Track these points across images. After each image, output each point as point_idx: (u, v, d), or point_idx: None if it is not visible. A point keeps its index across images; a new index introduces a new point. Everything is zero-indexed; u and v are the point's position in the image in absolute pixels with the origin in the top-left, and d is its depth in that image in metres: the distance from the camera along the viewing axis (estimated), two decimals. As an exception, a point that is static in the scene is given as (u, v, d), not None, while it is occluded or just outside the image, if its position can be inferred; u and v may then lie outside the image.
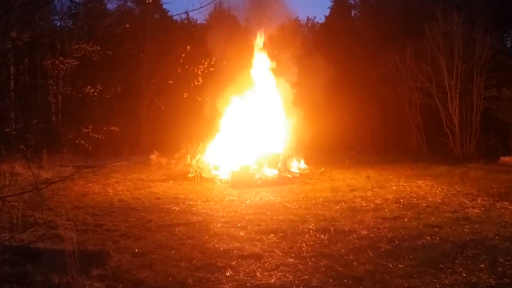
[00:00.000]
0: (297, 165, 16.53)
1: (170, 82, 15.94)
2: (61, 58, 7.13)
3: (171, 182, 13.94)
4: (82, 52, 6.58)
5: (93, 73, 22.97)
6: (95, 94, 9.22)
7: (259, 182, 13.32)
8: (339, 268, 5.60)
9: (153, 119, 27.61)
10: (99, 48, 6.73)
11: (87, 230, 7.65)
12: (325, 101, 18.42)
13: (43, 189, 5.67)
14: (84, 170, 6.29)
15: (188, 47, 12.69)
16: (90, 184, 13.18)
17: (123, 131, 25.38)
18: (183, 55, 12.54)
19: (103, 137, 9.92)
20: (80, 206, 9.91)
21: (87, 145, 13.37)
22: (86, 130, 8.05)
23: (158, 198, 11.06)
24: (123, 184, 13.54)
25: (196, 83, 15.15)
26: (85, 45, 6.76)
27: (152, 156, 17.81)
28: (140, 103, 27.49)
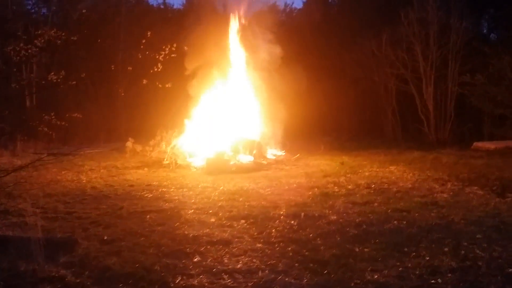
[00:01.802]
0: (273, 152, 16.59)
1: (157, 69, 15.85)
2: (30, 45, 7.01)
3: (145, 169, 13.88)
4: (46, 38, 6.48)
5: (68, 60, 22.71)
6: (68, 81, 9.09)
7: (234, 168, 13.34)
8: (306, 253, 5.67)
9: (130, 106, 27.35)
10: (63, 34, 6.64)
11: (57, 218, 7.60)
12: (302, 87, 18.43)
13: (1, 177, 5.61)
14: (46, 158, 6.23)
15: (149, 33, 12.52)
16: (63, 172, 13.06)
17: (100, 118, 25.18)
18: (143, 40, 12.39)
19: (77, 123, 9.79)
20: (52, 193, 9.82)
21: (61, 132, 13.22)
22: (57, 117, 7.93)
23: (132, 185, 11.01)
24: (97, 171, 13.45)
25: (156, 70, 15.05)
26: (49, 31, 6.64)
27: (128, 143, 17.68)
28: (116, 90, 27.19)
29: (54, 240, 5.89)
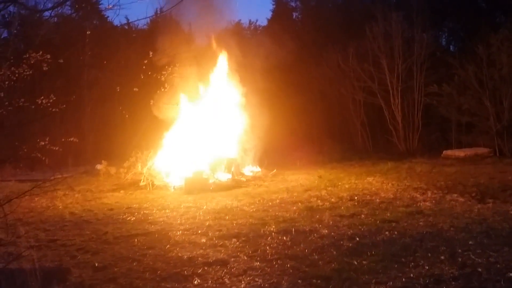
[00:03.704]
0: (250, 168, 16.53)
1: (118, 88, 15.54)
2: (21, 70, 6.78)
3: (122, 191, 13.53)
4: (32, 62, 6.27)
5: (31, 83, 22.15)
6: (42, 105, 8.81)
7: (213, 187, 13.19)
8: (306, 269, 5.62)
9: (97, 127, 26.83)
10: (48, 57, 6.44)
11: (40, 246, 7.29)
12: (270, 103, 18.47)
13: (3, 205, 5.37)
14: (41, 184, 5.98)
15: (151, 53, 12.40)
16: (36, 199, 12.58)
17: (66, 142, 24.56)
18: (146, 61, 12.22)
19: (44, 147, 9.47)
20: (29, 222, 9.43)
21: (29, 158, 12.81)
22: (20, 144, 7.65)
23: (111, 209, 10.69)
24: (71, 196, 13.03)
25: (135, 90, 14.88)
26: (34, 54, 6.45)
27: (99, 166, 17.25)
28: (82, 112, 26.67)
29: (45, 269, 5.65)
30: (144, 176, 14.17)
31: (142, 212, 10.03)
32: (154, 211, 10.10)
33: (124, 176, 15.30)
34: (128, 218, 9.46)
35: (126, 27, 31.52)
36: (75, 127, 25.54)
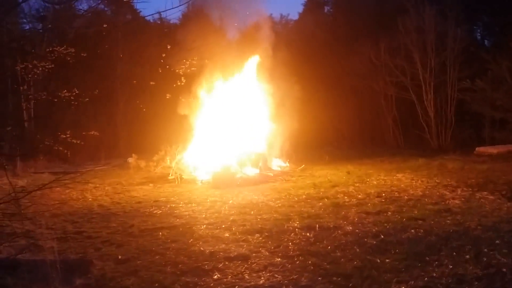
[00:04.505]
0: (278, 163, 16.50)
1: (152, 83, 15.73)
2: (34, 61, 6.91)
3: (151, 185, 13.73)
4: (56, 55, 6.39)
5: (66, 77, 22.58)
6: (72, 98, 8.99)
7: (240, 181, 13.22)
8: (327, 266, 5.56)
9: (130, 121, 27.21)
10: (73, 51, 6.54)
11: (67, 238, 7.45)
12: (301, 98, 18.38)
13: (21, 198, 5.48)
14: (63, 177, 6.09)
15: (169, 46, 12.52)
16: (67, 191, 12.86)
17: (99, 135, 25.02)
18: (164, 54, 12.36)
19: (82, 142, 9.69)
20: (58, 213, 9.64)
21: (65, 151, 13.08)
22: (64, 136, 7.83)
23: (139, 202, 10.86)
24: (101, 189, 13.28)
25: (179, 84, 15.00)
26: (58, 47, 6.56)
27: (130, 159, 17.53)
28: (115, 106, 27.09)
29: (68, 261, 5.74)
30: (173, 169, 14.31)
31: (168, 206, 10.15)
32: (181, 205, 10.20)
33: (154, 169, 15.52)
34: (154, 212, 9.58)
35: (159, 22, 31.80)
36: (108, 121, 26.00)
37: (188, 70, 14.33)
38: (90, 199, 11.60)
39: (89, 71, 23.84)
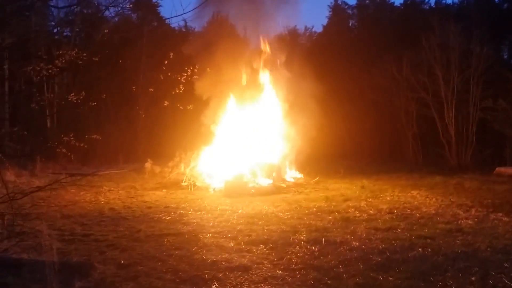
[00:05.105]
0: (292, 174, 16.43)
1: (173, 92, 15.84)
2: (50, 65, 7.02)
3: (164, 190, 13.81)
4: (67, 59, 6.48)
5: (89, 81, 22.94)
6: (89, 101, 9.12)
7: (252, 191, 13.19)
8: (328, 281, 5.48)
9: (149, 127, 27.47)
10: (84, 55, 6.63)
11: (74, 240, 7.52)
12: (321, 110, 18.32)
13: (17, 199, 5.55)
14: (64, 179, 6.14)
15: (171, 54, 12.61)
16: (82, 193, 13.04)
17: (119, 139, 25.31)
18: (166, 62, 12.44)
19: (96, 144, 9.81)
20: (69, 215, 9.74)
21: (80, 153, 13.24)
22: (76, 138, 7.92)
23: (150, 207, 10.92)
24: (115, 192, 13.41)
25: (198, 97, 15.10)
26: (70, 52, 6.65)
27: (146, 164, 17.69)
28: (136, 111, 27.37)
29: (69, 263, 5.79)
30: (186, 176, 14.37)
31: (178, 212, 10.17)
32: (190, 212, 10.22)
33: (168, 175, 15.59)
34: (163, 217, 9.61)
35: (184, 29, 32.14)
36: (128, 126, 26.28)
37: (190, 78, 14.28)
38: (102, 202, 11.71)
39: (113, 77, 24.20)
